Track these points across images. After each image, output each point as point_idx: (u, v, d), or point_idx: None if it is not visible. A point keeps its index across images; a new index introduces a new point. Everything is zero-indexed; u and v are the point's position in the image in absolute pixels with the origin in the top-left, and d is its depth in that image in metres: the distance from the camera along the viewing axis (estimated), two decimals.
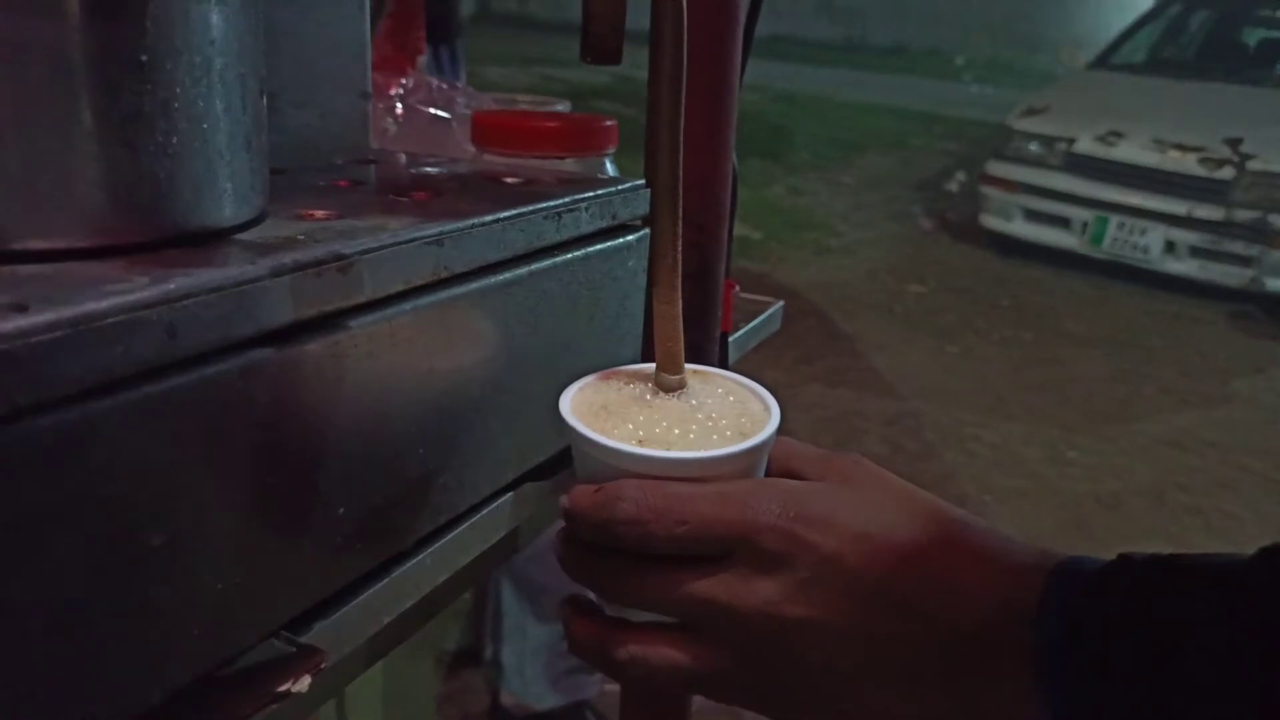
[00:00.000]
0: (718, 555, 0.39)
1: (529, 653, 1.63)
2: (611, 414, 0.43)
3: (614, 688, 1.72)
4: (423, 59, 0.92)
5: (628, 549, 0.40)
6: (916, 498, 0.42)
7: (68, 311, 0.26)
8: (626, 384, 0.46)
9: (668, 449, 0.41)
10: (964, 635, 0.37)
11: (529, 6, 13.44)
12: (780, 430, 0.43)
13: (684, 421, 0.43)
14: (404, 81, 0.76)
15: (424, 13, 0.92)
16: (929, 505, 0.41)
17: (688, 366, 0.46)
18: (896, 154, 7.52)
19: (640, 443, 0.41)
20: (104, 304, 0.26)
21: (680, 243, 0.43)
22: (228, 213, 0.35)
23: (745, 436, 0.42)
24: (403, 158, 0.59)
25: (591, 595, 0.45)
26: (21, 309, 0.25)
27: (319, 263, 0.33)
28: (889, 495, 0.42)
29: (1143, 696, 0.33)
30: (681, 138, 0.42)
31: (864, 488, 0.42)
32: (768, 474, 0.44)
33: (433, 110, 0.72)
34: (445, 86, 0.76)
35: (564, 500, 0.41)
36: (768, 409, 0.44)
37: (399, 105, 0.73)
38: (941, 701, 0.38)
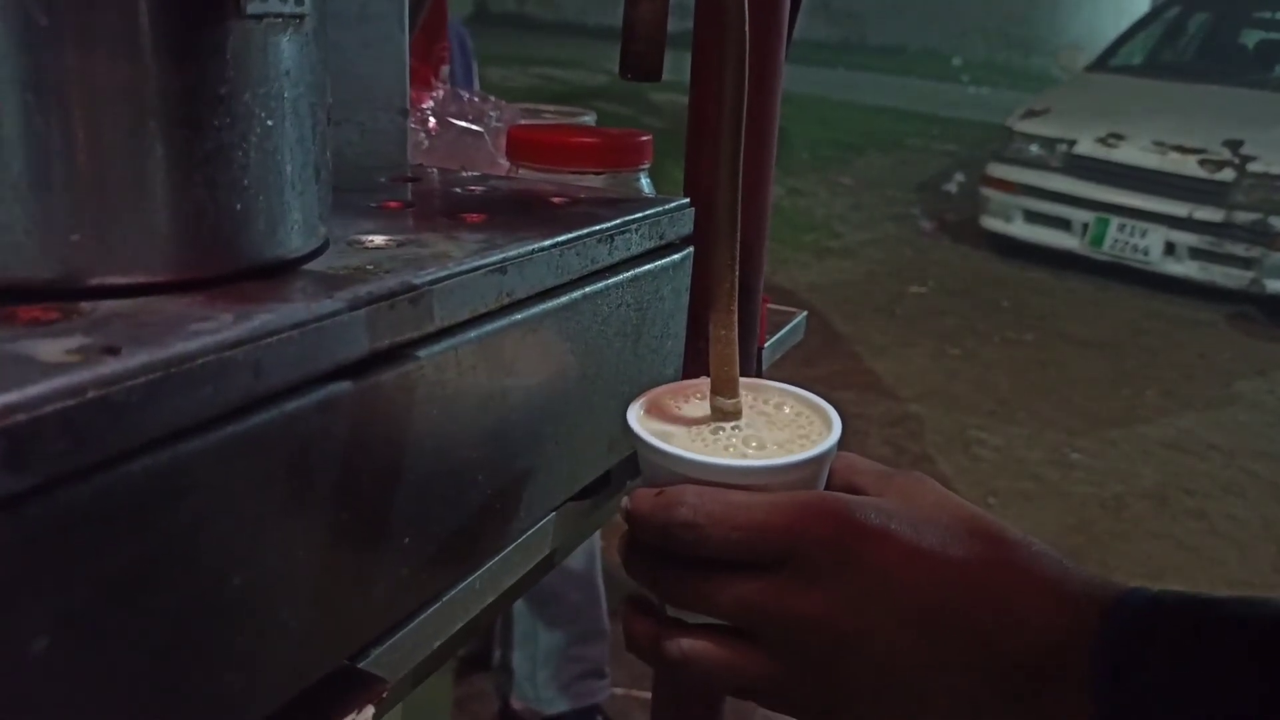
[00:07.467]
0: (771, 563, 0.39)
1: (539, 658, 1.63)
2: (676, 422, 0.44)
3: (624, 692, 1.72)
4: (446, 69, 0.92)
5: (684, 552, 0.40)
6: (976, 517, 0.41)
7: (160, 354, 0.25)
8: (692, 396, 0.46)
9: (728, 457, 0.41)
10: (1020, 664, 0.37)
11: (527, 7, 13.42)
12: None
13: (745, 431, 0.44)
14: (435, 94, 0.76)
15: (446, 22, 0.92)
16: (988, 526, 0.40)
17: (750, 380, 0.46)
18: (895, 155, 7.52)
19: (701, 450, 0.41)
20: (194, 345, 0.26)
21: (737, 269, 0.43)
22: (296, 243, 0.34)
23: (804, 448, 0.42)
24: (438, 174, 0.59)
25: (651, 597, 0.44)
26: (113, 351, 0.25)
27: (392, 294, 0.33)
28: (946, 514, 0.41)
29: None
30: (740, 171, 0.41)
31: (922, 505, 0.41)
32: (829, 488, 0.44)
33: (464, 124, 0.72)
34: (476, 99, 0.76)
35: (625, 502, 0.41)
36: (829, 422, 0.44)
37: (431, 119, 0.73)
38: None
